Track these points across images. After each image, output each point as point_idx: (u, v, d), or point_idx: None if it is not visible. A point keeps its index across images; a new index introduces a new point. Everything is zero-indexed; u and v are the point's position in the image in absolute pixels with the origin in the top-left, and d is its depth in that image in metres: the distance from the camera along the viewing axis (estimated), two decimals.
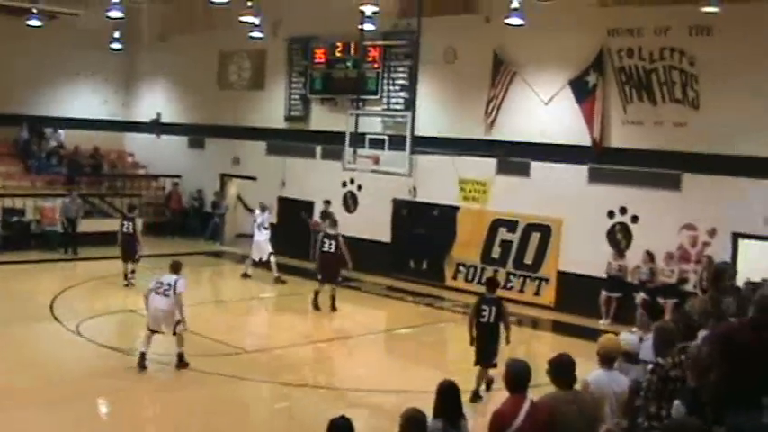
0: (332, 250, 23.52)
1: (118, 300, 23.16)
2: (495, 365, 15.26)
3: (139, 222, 26.36)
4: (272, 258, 26.83)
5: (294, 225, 27.76)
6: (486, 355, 15.74)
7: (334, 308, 23.53)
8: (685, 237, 22.18)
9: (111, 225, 28.69)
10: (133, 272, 25.20)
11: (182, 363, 17.04)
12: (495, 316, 15.87)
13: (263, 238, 26.98)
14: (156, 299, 16.82)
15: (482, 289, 24.64)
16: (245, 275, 27.39)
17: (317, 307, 23.47)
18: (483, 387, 15.54)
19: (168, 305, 16.74)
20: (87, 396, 15.31)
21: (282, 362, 18.44)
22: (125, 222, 25.69)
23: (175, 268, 17.33)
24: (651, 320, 10.95)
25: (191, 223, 35.22)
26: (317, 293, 23.59)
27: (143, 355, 16.77)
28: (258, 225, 27.14)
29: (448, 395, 8.70)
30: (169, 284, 16.79)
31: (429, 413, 8.34)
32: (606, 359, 9.64)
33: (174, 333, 16.88)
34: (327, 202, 29.05)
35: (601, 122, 23.63)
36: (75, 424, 13.65)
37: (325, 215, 27.07)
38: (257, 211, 27.72)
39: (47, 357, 17.76)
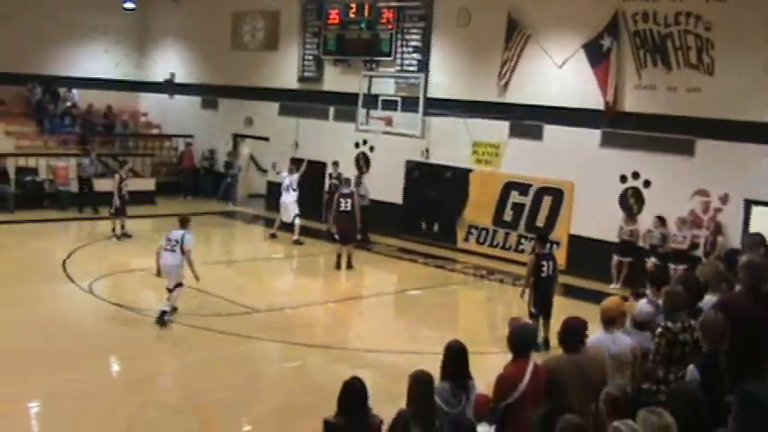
0: (349, 209, 23.66)
1: (130, 258, 23.27)
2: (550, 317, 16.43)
3: (117, 177, 26.40)
4: (297, 221, 26.92)
5: (306, 186, 27.71)
6: (548, 309, 16.77)
7: (350, 266, 23.66)
8: (697, 202, 22.12)
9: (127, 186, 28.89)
10: (121, 226, 26.03)
11: (162, 322, 17.13)
12: (553, 270, 16.99)
13: (290, 199, 27.02)
14: (165, 255, 17.26)
15: (493, 251, 25.03)
16: (272, 236, 27.43)
17: (339, 267, 23.63)
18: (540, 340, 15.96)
19: (175, 260, 17.19)
20: (100, 355, 15.42)
21: (293, 322, 18.54)
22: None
23: (183, 223, 17.79)
24: (655, 287, 10.93)
25: (203, 183, 35.24)
26: (339, 256, 23.73)
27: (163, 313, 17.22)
28: (286, 186, 27.19)
29: (456, 356, 8.72)
30: (176, 240, 17.21)
31: (438, 374, 8.38)
32: (606, 321, 9.66)
33: (171, 290, 17.31)
34: (336, 164, 29.00)
35: (614, 86, 23.51)
36: (89, 383, 13.72)
37: (339, 177, 27.10)
38: (284, 173, 27.79)
39: (59, 316, 17.82)
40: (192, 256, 17.30)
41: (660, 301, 10.16)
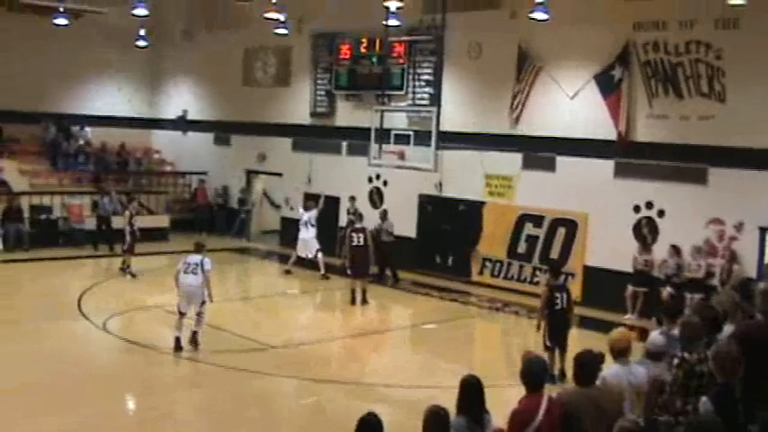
0: (361, 243, 23.69)
1: (145, 296, 23.27)
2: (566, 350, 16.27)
3: (128, 214, 26.56)
4: (320, 255, 27.03)
5: (320, 221, 27.74)
6: (562, 341, 16.66)
7: (365, 301, 23.67)
8: (712, 231, 22.06)
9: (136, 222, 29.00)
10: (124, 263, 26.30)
11: (195, 341, 17.99)
12: (567, 301, 16.85)
13: (309, 235, 27.17)
14: (186, 277, 17.99)
15: (508, 284, 24.98)
16: (287, 272, 27.46)
17: (354, 302, 23.66)
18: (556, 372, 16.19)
19: (198, 281, 17.94)
20: (114, 392, 15.39)
21: (308, 357, 18.48)
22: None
23: (198, 248, 18.67)
24: (669, 317, 10.89)
25: (217, 220, 35.30)
26: (353, 291, 23.75)
27: (178, 339, 17.85)
28: (305, 222, 27.30)
29: (471, 390, 8.67)
30: (196, 264, 18.03)
31: (453, 409, 8.34)
32: (616, 353, 9.62)
33: (198, 313, 18.06)
34: (353, 198, 29.07)
35: (626, 116, 23.55)
36: (102, 420, 13.70)
37: (355, 212, 27.13)
38: (301, 210, 27.93)
39: (73, 354, 17.80)
40: (210, 277, 18.05)
41: (673, 332, 10.13)
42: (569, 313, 17.12)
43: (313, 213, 27.27)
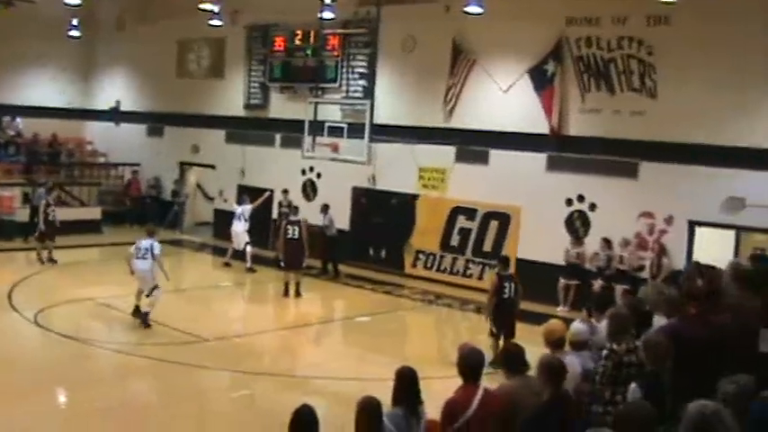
0: (296, 237, 23.65)
1: (77, 288, 23.04)
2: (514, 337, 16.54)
3: (44, 202, 26.93)
4: (249, 248, 27.03)
5: (252, 213, 27.67)
6: (510, 329, 17.12)
7: (298, 294, 23.62)
8: (643, 224, 22.37)
9: (68, 214, 28.80)
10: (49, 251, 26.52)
11: (145, 322, 18.96)
12: (515, 291, 17.33)
13: (241, 228, 27.16)
14: (137, 263, 19.26)
15: (441, 276, 25.13)
16: (226, 264, 27.40)
17: (287, 294, 23.59)
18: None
19: (147, 265, 19.20)
20: (45, 386, 15.22)
21: (242, 350, 18.45)
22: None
23: (150, 233, 19.99)
24: (599, 309, 11.02)
25: (149, 211, 35.03)
26: (287, 284, 23.69)
27: (137, 307, 19.46)
28: (238, 216, 27.34)
29: (407, 381, 8.70)
30: (147, 249, 19.24)
31: (386, 401, 8.38)
32: (554, 343, 9.70)
33: (149, 295, 19.18)
34: (286, 192, 29.02)
35: (559, 111, 23.77)
36: (34, 415, 13.57)
37: (289, 205, 27.09)
38: (235, 204, 28.12)
39: (4, 348, 17.62)
40: (161, 261, 19.40)
41: (596, 322, 10.28)
42: (517, 302, 17.48)
43: (247, 207, 27.26)
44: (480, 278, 25.34)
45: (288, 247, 23.76)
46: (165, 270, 19.56)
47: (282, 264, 24.04)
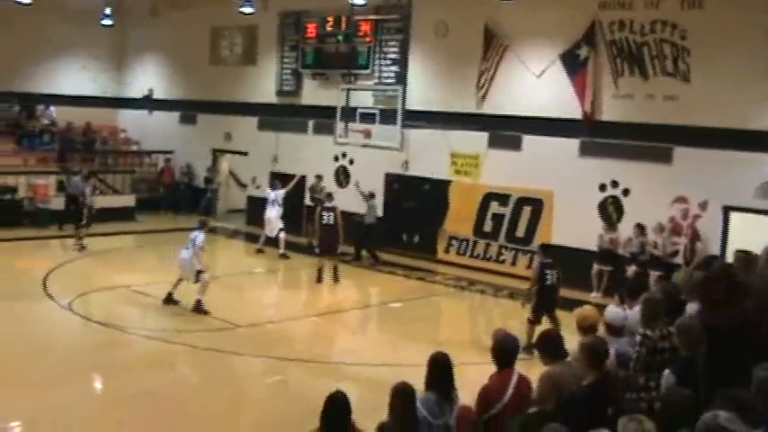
0: (331, 223, 23.71)
1: (112, 275, 23.14)
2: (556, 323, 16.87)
3: (88, 191, 27.70)
4: (282, 235, 27.00)
5: (285, 199, 27.70)
6: (552, 315, 17.51)
7: (336, 279, 23.73)
8: (677, 210, 22.23)
9: (102, 201, 28.98)
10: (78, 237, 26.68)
11: (199, 308, 19.17)
12: (557, 278, 17.60)
13: (274, 214, 27.17)
14: (181, 251, 19.74)
15: (474, 262, 25.08)
16: (259, 251, 27.47)
17: (321, 280, 23.66)
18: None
19: (187, 255, 19.51)
20: (79, 372, 15.31)
21: (275, 336, 18.51)
22: None
23: (201, 224, 20.32)
24: (631, 295, 10.95)
25: (182, 199, 35.19)
26: (320, 270, 23.74)
27: (170, 294, 19.83)
28: (271, 201, 27.33)
29: (440, 368, 8.69)
30: (192, 238, 19.59)
31: (420, 386, 8.38)
32: (587, 329, 9.64)
33: (196, 281, 19.40)
34: (319, 177, 29.05)
35: (592, 96, 23.65)
36: (70, 402, 13.65)
37: (321, 191, 27.15)
38: (268, 189, 27.99)
39: (39, 335, 17.70)
40: (200, 253, 19.44)
41: (634, 309, 10.19)
42: (558, 290, 17.68)
43: (280, 193, 27.27)
44: (513, 264, 25.33)
45: (323, 234, 23.81)
46: (202, 264, 19.43)
47: (317, 250, 24.07)
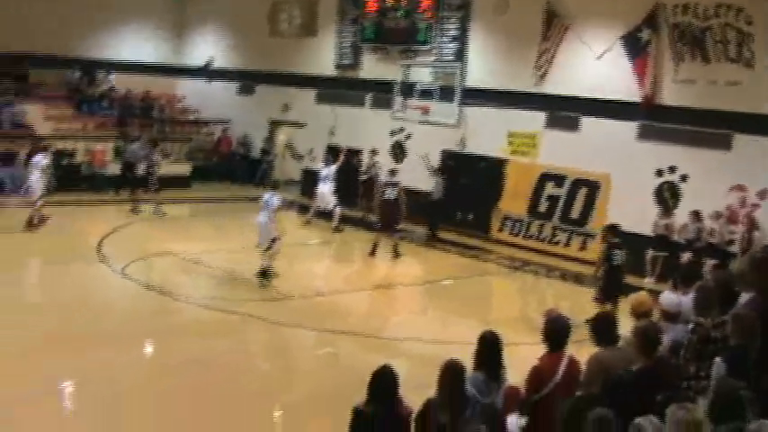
0: (393, 198, 23.77)
1: (165, 242, 23.31)
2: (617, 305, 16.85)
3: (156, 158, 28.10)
4: (337, 209, 27.10)
5: (341, 173, 27.77)
6: (617, 295, 17.35)
7: (397, 255, 23.83)
8: (734, 198, 21.99)
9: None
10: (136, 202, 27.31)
11: (266, 274, 19.21)
12: (623, 259, 17.72)
13: (327, 189, 27.23)
14: (258, 216, 19.62)
15: (527, 243, 25.02)
16: (306, 223, 27.57)
17: (374, 253, 23.74)
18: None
19: (265, 219, 19.35)
20: (132, 339, 15.44)
21: (326, 309, 18.58)
22: None
23: (273, 186, 20.34)
24: (685, 283, 10.87)
25: (238, 169, 35.37)
26: (375, 244, 23.85)
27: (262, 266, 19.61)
28: (323, 177, 27.40)
29: (490, 346, 8.68)
30: (266, 201, 19.41)
31: (468, 364, 8.38)
32: (642, 315, 9.58)
33: (268, 248, 19.36)
34: (374, 152, 29.08)
35: (652, 79, 23.44)
36: (121, 366, 13.81)
37: (374, 166, 27.21)
38: (321, 164, 28.05)
39: (93, 299, 17.93)
40: (277, 215, 19.39)
41: (688, 296, 10.10)
42: (624, 270, 17.80)
43: (332, 168, 27.32)
44: (567, 245, 25.24)
45: (384, 209, 23.89)
46: (280, 227, 19.51)
47: (378, 225, 24.14)
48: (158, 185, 27.09)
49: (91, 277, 19.73)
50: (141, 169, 27.88)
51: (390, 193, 23.83)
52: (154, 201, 27.01)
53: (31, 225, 23.29)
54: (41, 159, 23.98)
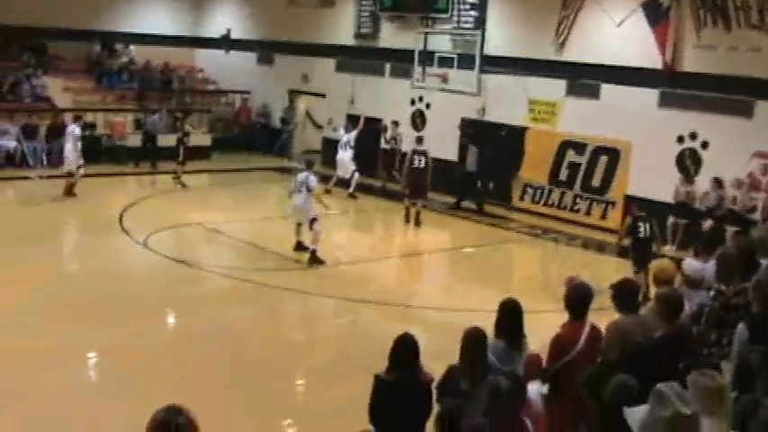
0: (421, 166, 24.04)
1: (186, 213, 23.34)
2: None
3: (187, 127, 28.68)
4: (356, 175, 27.24)
5: (361, 142, 27.78)
6: (646, 265, 16.96)
7: (418, 224, 23.94)
8: (756, 165, 21.88)
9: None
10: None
11: (315, 260, 18.70)
12: (650, 230, 17.89)
13: (347, 156, 27.27)
14: (293, 197, 19.05)
15: (548, 210, 24.96)
16: (327, 191, 27.51)
17: (408, 221, 24.05)
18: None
19: (301, 199, 18.84)
20: (155, 309, 15.63)
21: (347, 277, 18.66)
22: None
23: (308, 165, 19.64)
24: (707, 249, 10.83)
25: (258, 139, 35.39)
26: (408, 209, 24.17)
27: (298, 242, 19.44)
28: (343, 144, 27.51)
29: (511, 314, 8.69)
30: (302, 182, 18.84)
31: (490, 332, 8.39)
32: (665, 282, 9.56)
33: (310, 228, 18.82)
34: (396, 123, 29.07)
35: (673, 46, 23.30)
36: (145, 336, 13.93)
37: (397, 138, 27.27)
38: (342, 131, 28.12)
39: (116, 270, 18.00)
40: (317, 194, 19.23)
41: (709, 263, 10.05)
42: (652, 241, 17.96)
43: (352, 135, 27.36)
44: (588, 214, 25.20)
45: (413, 176, 24.09)
46: (324, 203, 19.45)
47: (407, 191, 24.34)
48: (185, 157, 27.22)
49: (114, 248, 19.83)
50: (163, 142, 27.98)
51: (419, 162, 23.99)
52: (179, 172, 27.09)
53: (69, 193, 23.90)
54: (74, 129, 24.15)
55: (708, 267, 10.07)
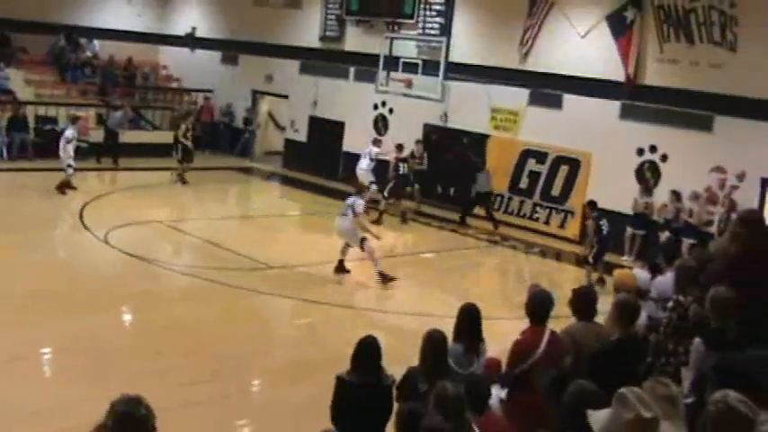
0: (405, 173, 26.20)
1: (147, 210, 23.31)
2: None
3: (183, 127, 28.68)
4: (372, 187, 25.66)
5: (323, 144, 27.79)
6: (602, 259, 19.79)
7: (404, 220, 25.68)
8: (714, 179, 22.11)
9: (140, 137, 29.23)
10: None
11: (385, 280, 18.54)
12: (608, 227, 19.84)
13: (364, 165, 26.52)
14: (337, 220, 18.85)
15: (508, 218, 25.21)
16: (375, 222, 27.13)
17: (405, 221, 25.67)
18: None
19: (346, 223, 18.56)
20: (113, 304, 15.58)
21: (306, 279, 18.65)
22: None
23: (358, 191, 19.55)
24: (667, 261, 11.01)
25: (221, 138, 35.34)
26: (403, 212, 25.68)
27: (340, 261, 18.96)
28: (365, 153, 26.77)
29: (470, 318, 8.81)
30: (348, 205, 18.53)
31: (449, 336, 8.47)
32: (623, 292, 9.68)
33: (362, 249, 18.54)
34: (419, 142, 27.75)
35: (636, 59, 23.52)
36: (103, 331, 13.91)
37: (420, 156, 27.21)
38: (371, 145, 27.18)
39: (75, 264, 18.11)
40: (362, 219, 18.65)
41: (663, 275, 10.23)
42: (611, 238, 20.10)
43: (374, 150, 26.72)
44: (547, 223, 25.36)
45: (397, 182, 25.94)
46: (371, 230, 19.06)
47: (387, 197, 25.78)
48: (185, 156, 27.78)
49: (74, 243, 19.85)
50: (124, 138, 27.93)
51: (402, 168, 25.93)
52: (183, 170, 27.46)
53: (68, 187, 24.39)
54: (69, 131, 24.96)
55: (665, 279, 10.24)
